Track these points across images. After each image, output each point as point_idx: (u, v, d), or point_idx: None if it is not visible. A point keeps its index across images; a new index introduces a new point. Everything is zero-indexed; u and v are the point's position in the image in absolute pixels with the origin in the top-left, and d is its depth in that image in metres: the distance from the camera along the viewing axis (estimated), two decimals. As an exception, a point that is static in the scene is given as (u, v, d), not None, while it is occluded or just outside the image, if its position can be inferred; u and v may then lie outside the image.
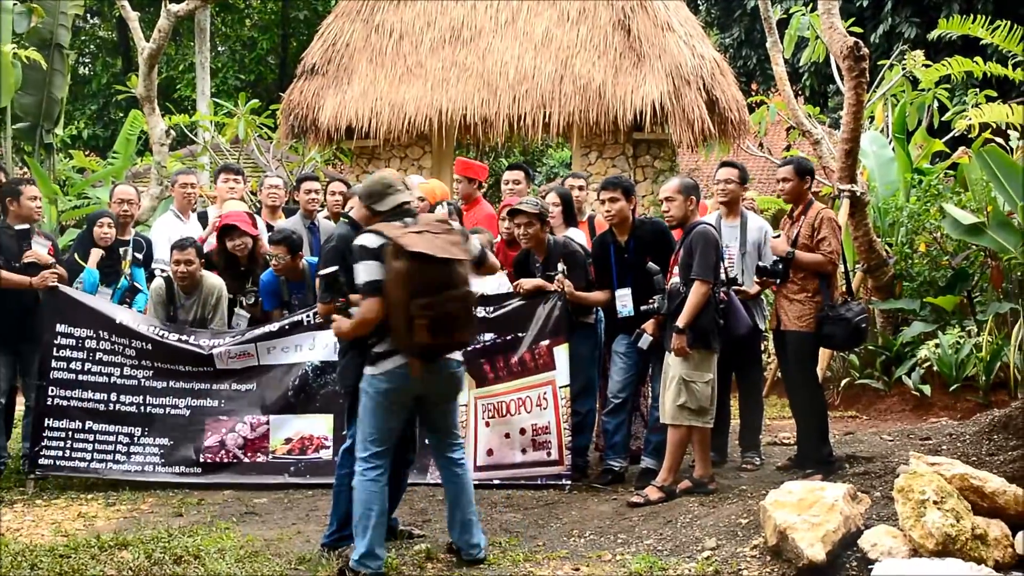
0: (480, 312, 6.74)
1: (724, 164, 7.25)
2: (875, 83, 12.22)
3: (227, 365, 6.98)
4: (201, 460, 6.86)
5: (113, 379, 6.88)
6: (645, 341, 6.26)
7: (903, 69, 11.98)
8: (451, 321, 4.67)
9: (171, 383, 6.95)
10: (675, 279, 6.18)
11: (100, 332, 6.89)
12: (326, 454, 6.77)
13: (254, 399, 6.96)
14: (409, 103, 12.45)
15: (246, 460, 6.86)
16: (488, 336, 6.76)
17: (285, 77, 23.44)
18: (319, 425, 6.89)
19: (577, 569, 4.92)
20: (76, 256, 7.39)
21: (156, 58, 11.04)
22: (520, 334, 6.69)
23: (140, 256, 7.71)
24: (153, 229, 8.41)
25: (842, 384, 9.48)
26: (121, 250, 7.55)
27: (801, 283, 6.34)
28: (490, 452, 6.70)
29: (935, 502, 4.40)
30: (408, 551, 5.20)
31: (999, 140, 10.40)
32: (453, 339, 4.80)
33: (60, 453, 6.75)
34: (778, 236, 6.55)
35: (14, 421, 7.64)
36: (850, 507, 4.71)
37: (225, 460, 6.86)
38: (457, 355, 5.01)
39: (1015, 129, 10.66)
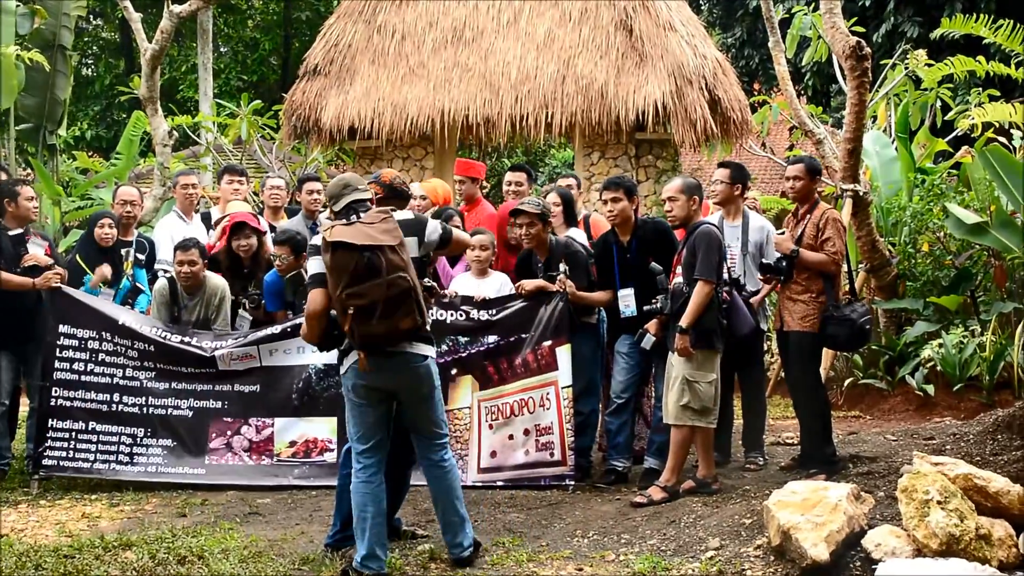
0: (483, 315, 6.76)
1: (719, 165, 7.24)
2: (878, 83, 12.21)
3: (229, 367, 6.98)
4: (205, 462, 6.86)
5: (115, 380, 6.89)
6: (648, 341, 6.25)
7: (906, 68, 11.97)
8: (377, 309, 4.60)
9: (173, 384, 6.96)
10: (678, 279, 6.17)
11: (103, 333, 6.90)
12: (330, 457, 6.76)
13: (258, 401, 6.97)
14: (411, 103, 12.45)
15: (251, 462, 6.86)
16: (491, 338, 6.76)
17: (287, 78, 23.43)
18: (323, 428, 6.89)
19: (580, 569, 4.92)
20: (78, 257, 7.40)
21: (159, 59, 11.05)
22: (523, 335, 6.69)
23: (143, 257, 7.72)
24: (156, 230, 8.42)
25: (845, 384, 9.47)
26: (123, 251, 7.56)
27: (805, 283, 6.34)
28: (493, 454, 6.69)
29: (939, 502, 4.40)
30: (412, 551, 5.21)
31: (1002, 139, 10.39)
32: (390, 327, 4.68)
33: (64, 454, 6.75)
34: (782, 233, 6.54)
35: (18, 422, 7.66)
36: (854, 507, 4.71)
37: (230, 462, 6.86)
38: (423, 349, 4.91)
39: (1018, 128, 10.66)
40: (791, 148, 15.86)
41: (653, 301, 6.23)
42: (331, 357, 6.67)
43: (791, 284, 6.38)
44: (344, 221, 4.81)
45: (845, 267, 6.61)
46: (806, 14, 12.01)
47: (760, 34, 21.60)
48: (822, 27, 9.21)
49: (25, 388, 7.36)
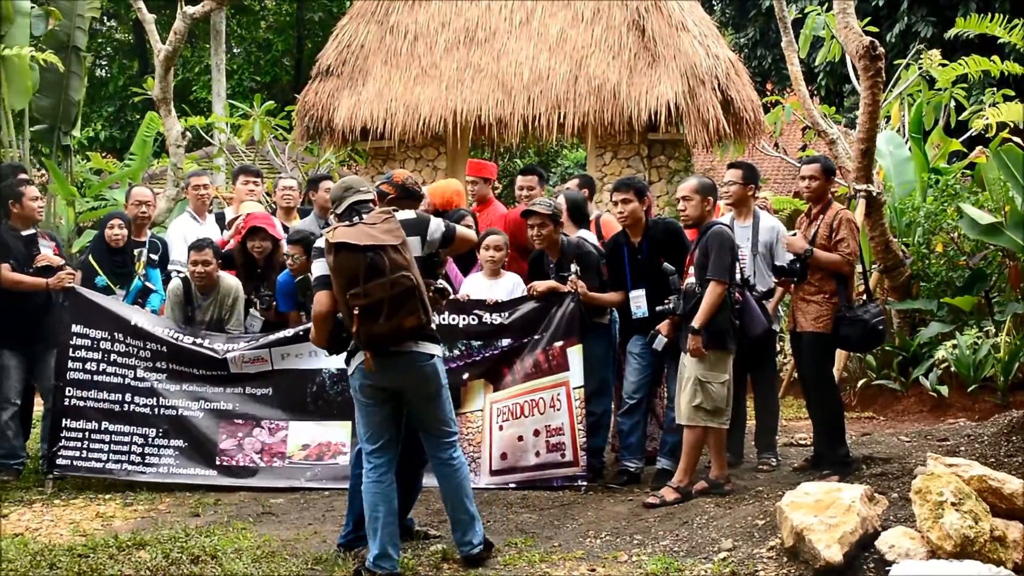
0: (495, 318, 6.76)
1: (730, 165, 7.22)
2: (891, 83, 12.17)
3: (241, 369, 7.00)
4: (217, 463, 6.87)
5: (127, 380, 6.91)
6: (659, 342, 6.24)
7: (919, 68, 11.93)
8: (382, 308, 4.62)
9: (185, 386, 6.98)
10: (690, 279, 6.17)
11: (115, 334, 6.92)
12: (343, 460, 6.74)
13: (270, 404, 6.98)
14: (424, 104, 12.46)
15: (263, 464, 6.86)
16: (504, 341, 6.76)
17: (300, 78, 23.48)
18: (337, 432, 6.89)
19: (593, 570, 4.92)
20: (91, 258, 7.43)
21: (172, 60, 11.09)
22: (535, 336, 6.69)
23: (155, 257, 7.74)
24: (169, 230, 8.45)
25: (859, 385, 9.44)
26: (135, 251, 7.58)
27: (818, 284, 6.32)
28: (504, 456, 6.68)
29: (953, 504, 4.38)
30: (424, 552, 5.21)
31: (1016, 139, 10.33)
32: (394, 326, 4.69)
33: (77, 453, 6.77)
34: (794, 234, 6.52)
35: (32, 422, 7.69)
36: (867, 508, 4.70)
37: (241, 463, 6.87)
38: (428, 348, 4.93)
39: (1033, 128, 10.62)
40: (804, 148, 15.82)
41: (666, 301, 6.22)
42: (344, 361, 6.72)
43: (804, 285, 6.36)
44: (347, 223, 4.83)
45: (859, 268, 6.58)
46: (819, 14, 11.99)
47: (773, 34, 21.54)
48: (835, 27, 9.18)
49: (39, 389, 7.38)
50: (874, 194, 8.90)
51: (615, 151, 12.80)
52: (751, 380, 7.22)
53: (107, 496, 6.61)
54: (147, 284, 7.51)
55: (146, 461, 6.84)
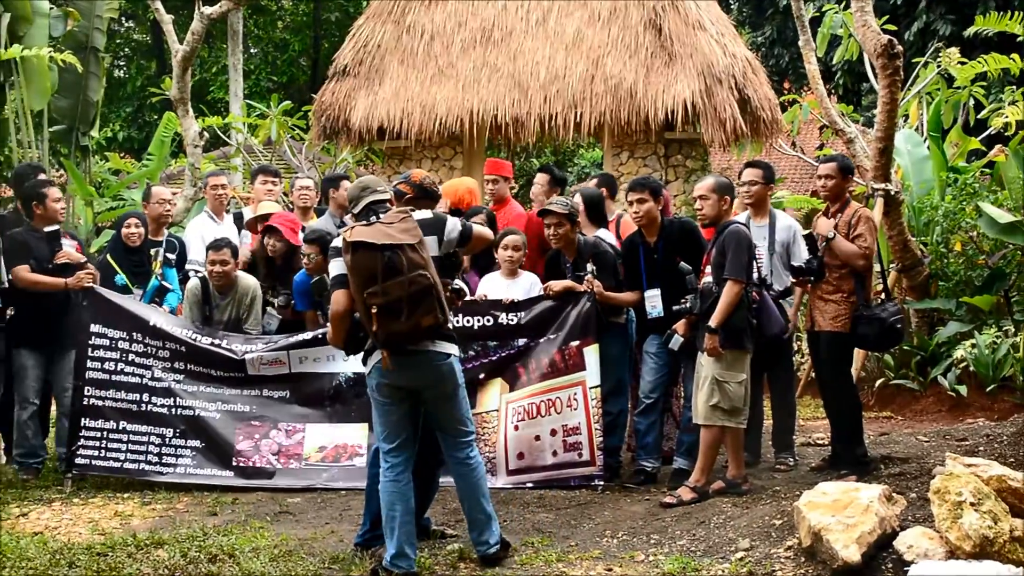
0: (511, 319, 6.76)
1: (748, 165, 7.18)
2: (909, 81, 12.10)
3: (259, 371, 7.01)
4: (233, 464, 6.88)
5: (145, 380, 6.94)
6: (676, 342, 6.23)
7: (938, 67, 11.87)
8: (401, 307, 4.63)
9: (202, 387, 7.01)
10: (707, 279, 6.16)
11: (134, 334, 6.95)
12: (360, 461, 6.74)
13: (287, 406, 6.99)
14: (440, 104, 12.45)
15: (279, 466, 6.87)
16: (520, 341, 6.77)
17: (317, 78, 23.54)
18: (354, 434, 6.90)
19: (610, 569, 4.92)
20: (109, 257, 7.46)
21: (190, 61, 11.13)
22: (551, 335, 6.69)
23: (173, 257, 7.76)
24: (187, 230, 8.49)
25: (877, 384, 9.41)
26: (152, 251, 7.60)
27: (836, 283, 6.30)
28: (520, 456, 6.69)
29: (972, 504, 4.36)
30: (441, 551, 5.22)
31: (1036, 138, 10.28)
32: (412, 325, 4.69)
33: (96, 453, 6.80)
34: (808, 235, 6.50)
35: (50, 421, 7.73)
36: (885, 508, 4.68)
37: (258, 465, 6.88)
38: (445, 347, 4.94)
39: (1052, 126, 10.54)
40: (821, 147, 15.76)
41: (682, 301, 6.21)
42: (361, 365, 6.73)
43: (822, 284, 6.34)
44: (364, 222, 4.84)
45: (877, 267, 6.56)
46: (837, 12, 11.94)
47: (790, 33, 21.45)
48: (853, 25, 9.15)
49: (52, 391, 7.41)
50: (892, 193, 8.86)
51: (632, 150, 12.77)
52: (768, 379, 7.20)
53: (125, 495, 6.64)
54: (164, 283, 7.54)
55: (163, 461, 6.87)
